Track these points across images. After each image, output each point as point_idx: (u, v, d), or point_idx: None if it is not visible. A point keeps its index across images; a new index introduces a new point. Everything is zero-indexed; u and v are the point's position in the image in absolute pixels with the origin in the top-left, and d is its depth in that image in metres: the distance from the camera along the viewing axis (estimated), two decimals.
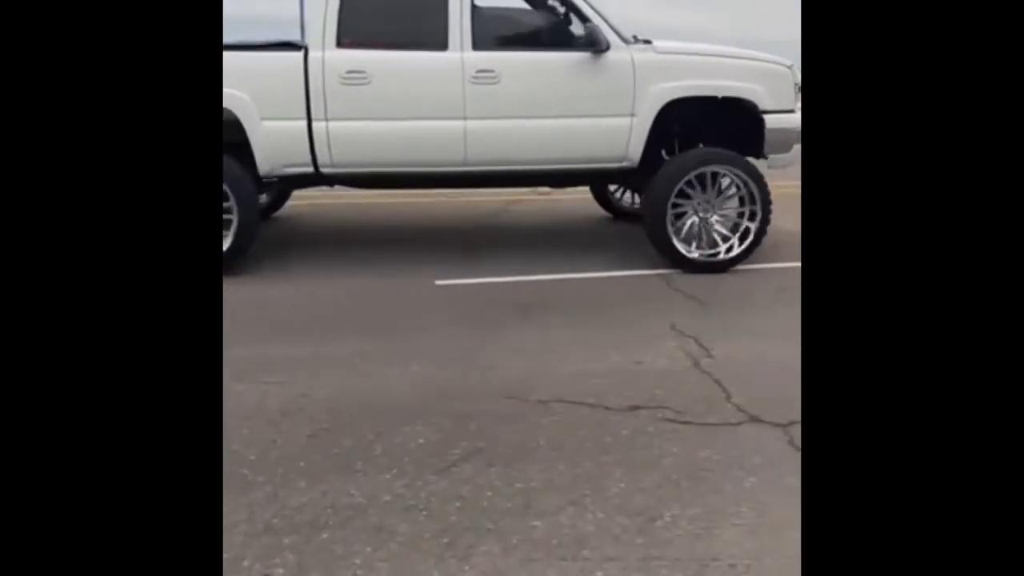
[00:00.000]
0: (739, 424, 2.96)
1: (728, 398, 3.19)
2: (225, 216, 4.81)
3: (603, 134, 5.12)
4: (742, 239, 5.13)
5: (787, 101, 5.28)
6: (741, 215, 5.15)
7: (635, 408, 3.09)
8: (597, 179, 6.20)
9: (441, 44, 4.93)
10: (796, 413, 2.90)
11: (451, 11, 4.91)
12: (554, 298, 4.61)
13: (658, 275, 5.07)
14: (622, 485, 2.53)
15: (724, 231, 5.18)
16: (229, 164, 4.75)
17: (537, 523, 2.32)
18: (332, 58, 4.88)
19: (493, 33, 5.03)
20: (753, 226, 5.12)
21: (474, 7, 4.96)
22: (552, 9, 5.22)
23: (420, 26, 4.96)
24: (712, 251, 5.14)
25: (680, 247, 5.08)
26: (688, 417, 3.01)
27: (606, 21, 5.06)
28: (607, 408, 3.09)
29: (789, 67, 5.33)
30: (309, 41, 4.98)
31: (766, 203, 5.09)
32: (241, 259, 5.01)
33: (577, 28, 5.12)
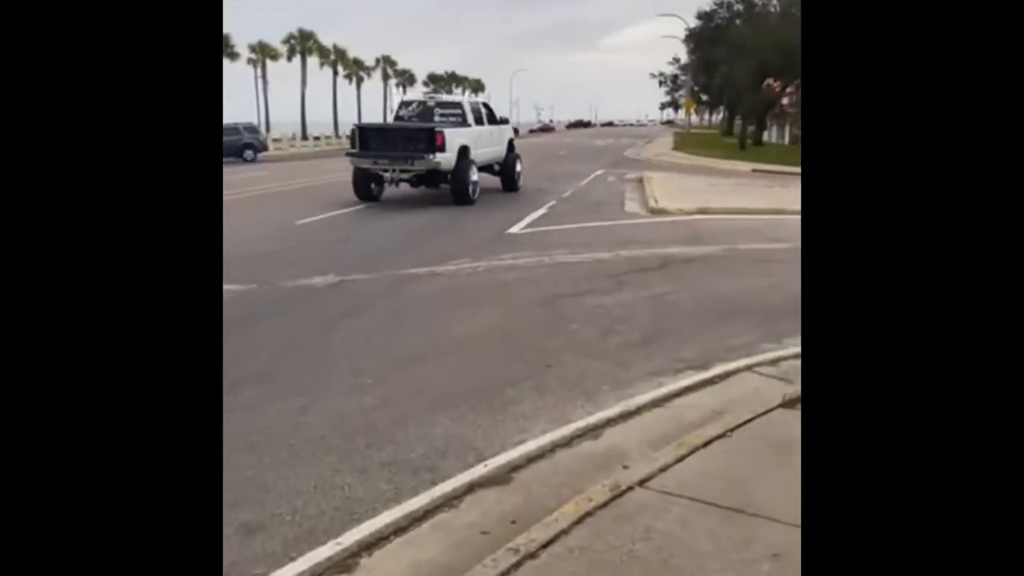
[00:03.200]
0: None
1: None
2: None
3: (500, 151, 17.00)
4: None
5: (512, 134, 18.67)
6: None
7: None
8: (493, 170, 16.79)
9: (493, 121, 16.99)
10: None
11: (479, 117, 16.27)
12: None
13: None
14: None
15: None
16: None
17: None
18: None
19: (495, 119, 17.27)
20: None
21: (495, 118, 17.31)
22: (486, 111, 16.88)
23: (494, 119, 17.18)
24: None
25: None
26: None
27: (492, 111, 17.25)
28: None
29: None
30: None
31: None
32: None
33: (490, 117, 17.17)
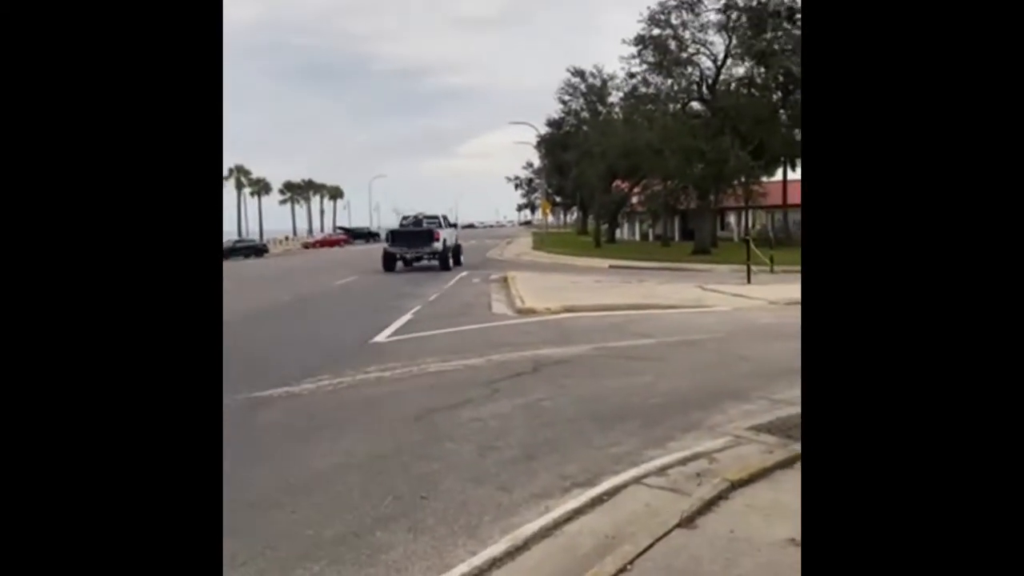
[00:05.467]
0: None
1: None
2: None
3: (454, 241, 29.23)
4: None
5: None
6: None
7: None
8: (453, 252, 28.12)
9: (451, 225, 31.94)
10: None
11: (446, 223, 30.34)
12: None
13: None
14: None
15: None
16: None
17: None
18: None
19: (450, 224, 31.92)
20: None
21: (450, 223, 32.12)
22: (446, 219, 30.96)
23: (450, 223, 31.84)
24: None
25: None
26: None
27: (448, 219, 32.27)
28: None
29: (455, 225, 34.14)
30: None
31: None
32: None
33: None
